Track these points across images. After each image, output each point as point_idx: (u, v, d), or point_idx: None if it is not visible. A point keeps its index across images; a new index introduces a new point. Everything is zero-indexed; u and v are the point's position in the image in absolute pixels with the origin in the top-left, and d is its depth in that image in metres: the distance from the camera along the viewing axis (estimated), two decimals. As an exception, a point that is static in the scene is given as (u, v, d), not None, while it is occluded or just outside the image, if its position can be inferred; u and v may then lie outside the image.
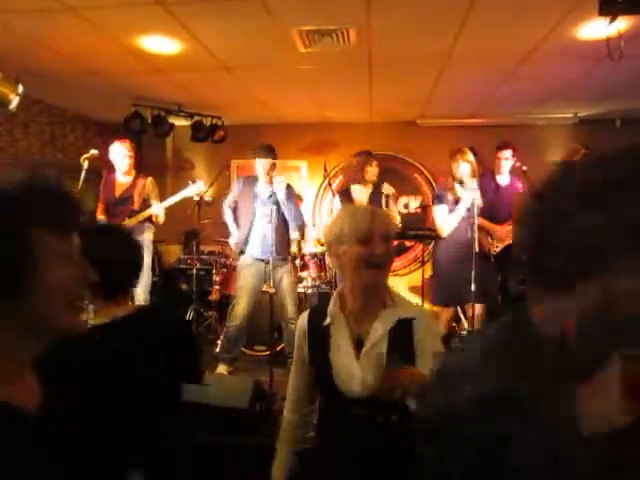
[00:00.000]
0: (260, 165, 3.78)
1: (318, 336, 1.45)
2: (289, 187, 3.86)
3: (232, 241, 4.00)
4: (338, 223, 1.43)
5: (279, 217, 3.75)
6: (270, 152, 3.80)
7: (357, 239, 1.36)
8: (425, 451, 0.58)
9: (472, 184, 3.53)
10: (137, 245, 1.52)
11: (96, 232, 1.46)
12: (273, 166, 3.75)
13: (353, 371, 1.37)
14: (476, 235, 3.38)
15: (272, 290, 3.68)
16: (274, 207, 3.68)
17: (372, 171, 3.92)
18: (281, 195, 3.75)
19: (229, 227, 4.03)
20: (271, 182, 3.77)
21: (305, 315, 1.55)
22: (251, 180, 3.89)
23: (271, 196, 3.79)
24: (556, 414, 0.59)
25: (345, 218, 1.42)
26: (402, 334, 1.38)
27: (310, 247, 5.09)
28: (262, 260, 3.76)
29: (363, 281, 1.38)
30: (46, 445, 0.72)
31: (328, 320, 1.44)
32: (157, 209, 3.97)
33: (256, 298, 3.85)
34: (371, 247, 1.36)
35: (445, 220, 3.68)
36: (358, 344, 1.40)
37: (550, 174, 0.63)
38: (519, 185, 4.08)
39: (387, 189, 3.94)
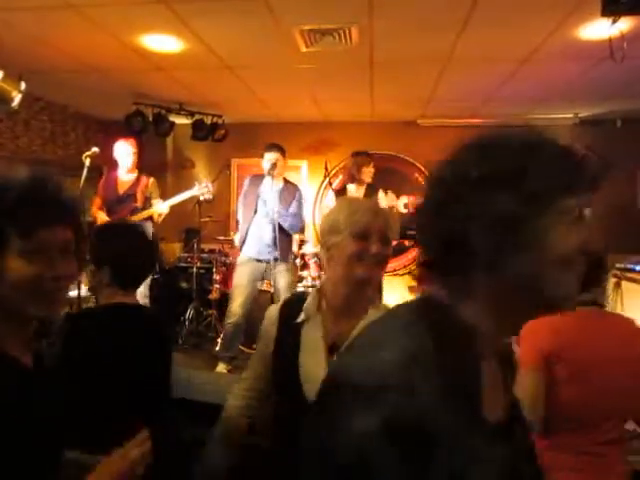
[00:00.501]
0: (265, 160, 3.78)
1: (289, 332, 1.32)
2: (297, 189, 3.86)
3: (237, 238, 4.02)
4: (335, 212, 1.31)
5: (266, 215, 3.75)
6: (274, 148, 3.78)
7: (353, 233, 1.24)
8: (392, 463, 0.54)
9: None
10: (154, 243, 1.60)
11: (116, 229, 1.57)
12: (274, 166, 3.74)
13: (322, 376, 1.26)
14: None
15: (272, 290, 3.68)
16: (276, 206, 3.69)
17: (368, 172, 3.93)
18: (275, 196, 3.75)
19: (239, 225, 4.03)
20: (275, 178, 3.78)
21: (277, 307, 1.42)
22: (258, 179, 3.89)
23: (275, 194, 3.76)
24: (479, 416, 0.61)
25: (344, 208, 1.30)
26: None
27: (310, 247, 5.08)
28: (257, 260, 3.78)
29: (352, 276, 1.26)
30: (36, 391, 0.87)
31: (302, 317, 1.31)
32: (162, 207, 3.97)
33: (252, 296, 3.84)
34: (366, 245, 1.24)
35: None
36: (332, 348, 1.27)
37: (432, 172, 0.69)
38: None
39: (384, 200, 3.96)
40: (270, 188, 3.74)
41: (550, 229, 0.60)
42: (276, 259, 3.72)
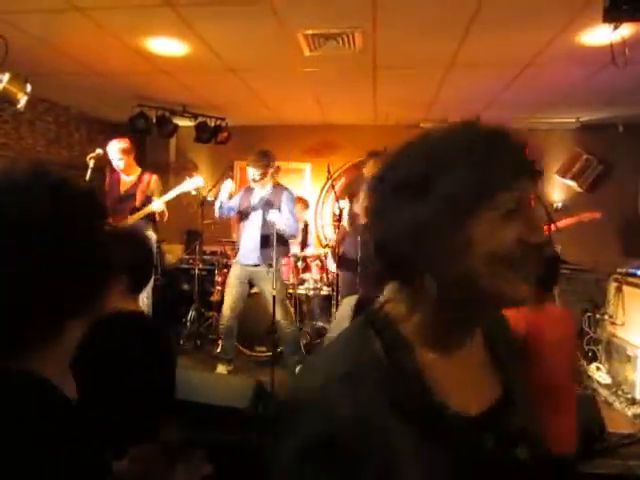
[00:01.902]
0: (249, 173, 3.80)
1: None
2: (283, 190, 3.83)
3: (217, 206, 3.98)
4: None
5: (265, 221, 3.76)
6: (255, 164, 3.75)
7: None
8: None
9: None
10: (152, 248, 1.63)
11: (128, 235, 1.59)
12: (263, 175, 3.75)
13: None
14: None
15: (257, 290, 3.80)
16: (261, 211, 3.74)
17: (366, 172, 3.87)
18: (264, 199, 3.79)
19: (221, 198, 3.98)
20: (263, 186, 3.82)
21: (351, 302, 1.43)
22: (250, 189, 3.93)
23: (261, 200, 3.82)
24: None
25: None
26: None
27: (312, 249, 5.10)
28: (244, 264, 3.84)
29: None
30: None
31: None
32: (157, 205, 3.94)
33: (240, 299, 3.89)
34: None
35: None
36: None
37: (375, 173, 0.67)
38: None
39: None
40: (257, 193, 3.84)
41: (478, 228, 0.58)
42: (268, 264, 3.73)
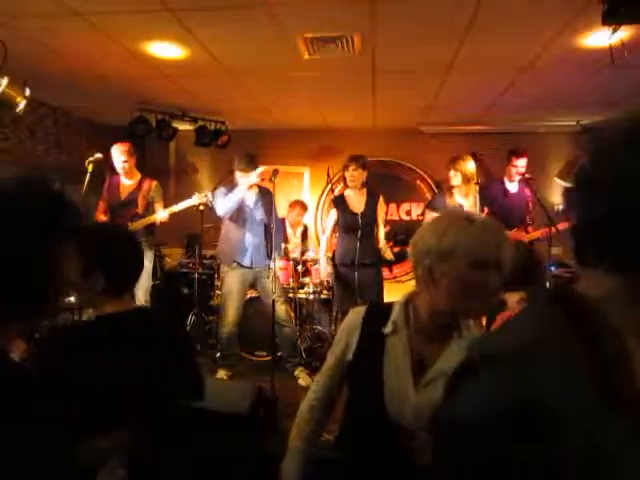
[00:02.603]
0: (254, 175, 3.69)
1: (372, 343, 1.27)
2: (271, 194, 3.76)
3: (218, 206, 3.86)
4: (451, 233, 1.14)
5: (257, 222, 3.78)
6: (250, 166, 3.69)
7: (471, 262, 1.11)
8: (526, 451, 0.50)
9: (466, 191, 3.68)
10: (138, 244, 1.51)
11: (99, 232, 1.49)
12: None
13: (408, 396, 1.20)
14: None
15: (255, 294, 3.76)
16: (252, 212, 3.75)
17: (349, 176, 3.78)
18: (253, 199, 3.81)
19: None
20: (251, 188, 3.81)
21: (361, 311, 1.35)
22: (231, 191, 3.85)
23: (257, 201, 3.83)
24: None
25: (465, 231, 1.14)
26: None
27: (312, 253, 5.08)
28: (248, 267, 3.80)
29: (461, 308, 1.17)
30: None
31: (389, 329, 1.25)
32: (162, 215, 3.94)
33: (243, 303, 3.86)
34: (485, 276, 1.12)
35: None
36: (419, 366, 1.22)
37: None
38: (527, 192, 4.09)
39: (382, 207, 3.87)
40: (249, 196, 3.82)
41: None
42: (267, 266, 3.73)
